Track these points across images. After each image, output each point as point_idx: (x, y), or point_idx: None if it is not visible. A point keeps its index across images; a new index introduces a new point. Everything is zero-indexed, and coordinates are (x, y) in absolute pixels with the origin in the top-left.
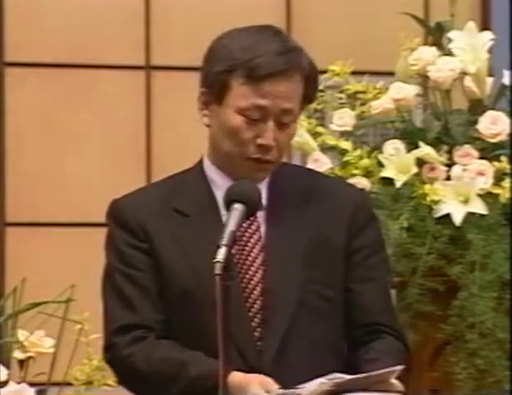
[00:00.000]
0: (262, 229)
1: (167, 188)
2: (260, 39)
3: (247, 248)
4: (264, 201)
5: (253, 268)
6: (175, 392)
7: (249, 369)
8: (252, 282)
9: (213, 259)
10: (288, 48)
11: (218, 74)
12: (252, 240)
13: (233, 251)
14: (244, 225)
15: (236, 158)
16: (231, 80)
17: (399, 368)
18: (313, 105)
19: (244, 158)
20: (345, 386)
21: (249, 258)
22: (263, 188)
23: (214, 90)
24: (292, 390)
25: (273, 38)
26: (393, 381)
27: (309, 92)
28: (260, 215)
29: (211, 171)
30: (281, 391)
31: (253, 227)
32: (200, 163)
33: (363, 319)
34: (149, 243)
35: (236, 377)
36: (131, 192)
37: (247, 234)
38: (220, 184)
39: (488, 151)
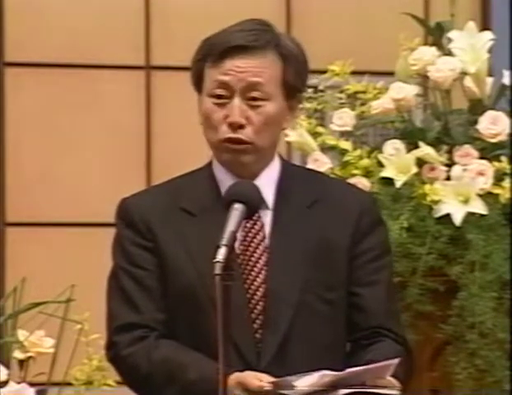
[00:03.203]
0: (267, 229)
1: (175, 187)
2: (234, 25)
3: (250, 249)
4: (271, 201)
5: (256, 269)
6: (173, 393)
7: (248, 370)
8: (255, 283)
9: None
10: (257, 28)
11: (195, 65)
12: (255, 240)
13: (237, 251)
14: (248, 224)
15: (215, 144)
16: (204, 67)
17: (396, 361)
18: (313, 105)
19: (220, 141)
20: (344, 380)
21: (253, 259)
22: (270, 188)
23: (194, 83)
24: (289, 379)
25: (247, 22)
26: (390, 378)
27: (291, 75)
28: (266, 215)
29: (219, 171)
30: (275, 380)
31: (257, 227)
32: (209, 163)
33: (364, 322)
34: (154, 242)
35: (234, 376)
36: (139, 192)
37: (250, 235)
38: (227, 184)
39: (488, 151)
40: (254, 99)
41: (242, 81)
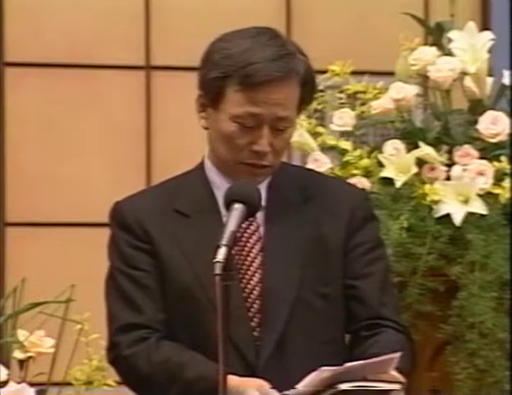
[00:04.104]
0: (262, 229)
1: (168, 189)
2: (255, 44)
3: (246, 249)
4: (263, 201)
5: (252, 269)
6: (173, 393)
7: (247, 368)
8: (251, 283)
9: (213, 259)
10: (283, 53)
11: (213, 80)
12: (251, 241)
13: (232, 251)
14: (244, 225)
15: (231, 162)
16: (226, 86)
17: (397, 355)
18: (313, 105)
19: (239, 163)
20: (344, 375)
21: (248, 259)
22: (263, 188)
23: (210, 95)
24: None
25: (269, 43)
26: (393, 373)
27: (307, 95)
28: (259, 215)
29: (212, 172)
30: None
31: (252, 228)
32: (201, 164)
33: (363, 313)
34: (150, 243)
35: (233, 380)
36: (133, 194)
37: (246, 235)
38: (220, 185)
39: (488, 151)
40: (281, 128)
41: (273, 114)
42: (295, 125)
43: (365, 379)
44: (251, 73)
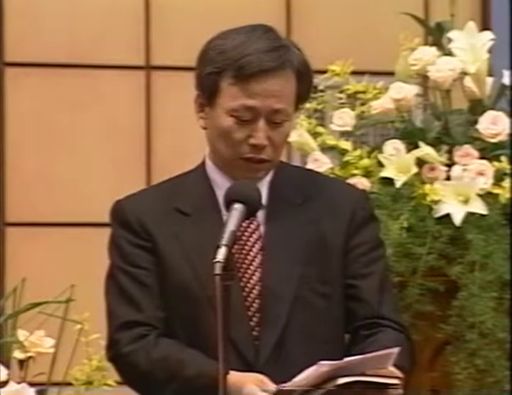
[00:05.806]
0: (262, 228)
1: (169, 188)
2: (249, 38)
3: (246, 248)
4: (264, 200)
5: (252, 267)
6: (172, 390)
7: (247, 368)
8: (251, 281)
9: (213, 259)
10: (277, 45)
11: (208, 76)
12: (251, 239)
13: (232, 250)
14: (244, 224)
15: (231, 159)
16: (221, 81)
17: (396, 350)
18: (313, 105)
19: (238, 158)
20: (342, 369)
21: (248, 258)
22: (264, 187)
23: (206, 92)
24: (289, 383)
25: (263, 36)
26: (391, 368)
27: (303, 90)
28: (260, 214)
29: (213, 171)
30: (277, 387)
31: (253, 226)
32: (202, 164)
33: (362, 312)
34: (151, 241)
35: (232, 377)
36: (133, 193)
37: (246, 234)
38: (221, 184)
39: (488, 151)
40: (277, 121)
41: (268, 107)
42: (293, 120)
43: (364, 374)
44: (244, 65)
